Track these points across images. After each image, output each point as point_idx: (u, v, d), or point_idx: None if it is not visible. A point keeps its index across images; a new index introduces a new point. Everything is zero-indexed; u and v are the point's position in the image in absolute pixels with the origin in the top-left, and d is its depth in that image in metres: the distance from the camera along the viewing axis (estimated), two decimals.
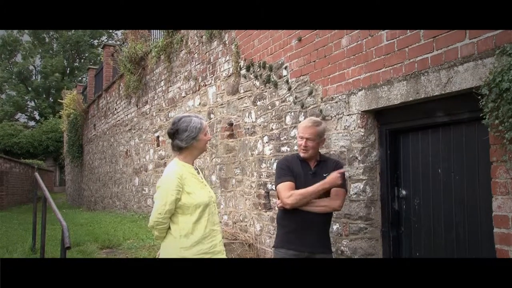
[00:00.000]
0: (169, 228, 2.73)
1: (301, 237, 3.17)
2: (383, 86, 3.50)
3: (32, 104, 37.76)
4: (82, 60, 38.66)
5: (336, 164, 3.34)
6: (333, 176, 3.13)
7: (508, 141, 2.46)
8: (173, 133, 2.77)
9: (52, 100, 35.71)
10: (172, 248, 2.69)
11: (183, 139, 2.74)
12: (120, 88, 12.06)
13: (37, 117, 36.78)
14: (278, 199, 3.32)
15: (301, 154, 3.28)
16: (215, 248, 2.73)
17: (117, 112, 12.70)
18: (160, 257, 2.83)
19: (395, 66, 3.40)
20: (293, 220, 3.22)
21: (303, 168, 3.28)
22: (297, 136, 3.18)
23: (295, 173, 3.25)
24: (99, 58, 31.24)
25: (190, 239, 2.66)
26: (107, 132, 13.80)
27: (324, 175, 3.21)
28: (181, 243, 2.66)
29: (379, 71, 3.56)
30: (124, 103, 11.90)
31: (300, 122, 4.58)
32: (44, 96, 36.85)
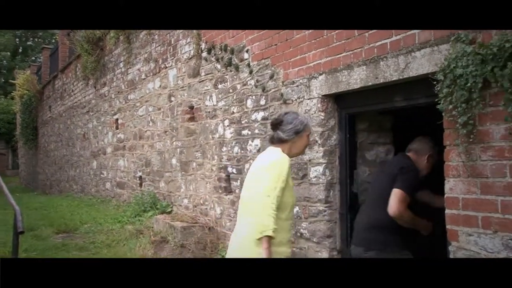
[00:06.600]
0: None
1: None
2: (343, 71, 3.54)
3: None
4: (36, 39, 37.05)
5: None
6: None
7: (461, 126, 2.54)
8: (277, 124, 2.62)
9: (3, 81, 34.14)
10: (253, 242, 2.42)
11: (286, 131, 2.60)
12: (77, 69, 11.68)
13: None
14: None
15: None
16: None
17: (74, 94, 12.31)
18: (232, 245, 2.63)
19: (355, 50, 3.44)
20: None
21: None
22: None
23: None
24: (54, 37, 30.04)
25: (276, 237, 2.41)
26: (64, 114, 13.37)
27: None
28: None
29: (339, 55, 3.59)
30: (82, 84, 11.54)
31: (261, 105, 4.59)
32: None
